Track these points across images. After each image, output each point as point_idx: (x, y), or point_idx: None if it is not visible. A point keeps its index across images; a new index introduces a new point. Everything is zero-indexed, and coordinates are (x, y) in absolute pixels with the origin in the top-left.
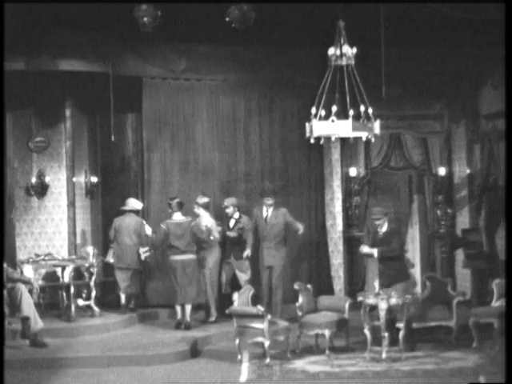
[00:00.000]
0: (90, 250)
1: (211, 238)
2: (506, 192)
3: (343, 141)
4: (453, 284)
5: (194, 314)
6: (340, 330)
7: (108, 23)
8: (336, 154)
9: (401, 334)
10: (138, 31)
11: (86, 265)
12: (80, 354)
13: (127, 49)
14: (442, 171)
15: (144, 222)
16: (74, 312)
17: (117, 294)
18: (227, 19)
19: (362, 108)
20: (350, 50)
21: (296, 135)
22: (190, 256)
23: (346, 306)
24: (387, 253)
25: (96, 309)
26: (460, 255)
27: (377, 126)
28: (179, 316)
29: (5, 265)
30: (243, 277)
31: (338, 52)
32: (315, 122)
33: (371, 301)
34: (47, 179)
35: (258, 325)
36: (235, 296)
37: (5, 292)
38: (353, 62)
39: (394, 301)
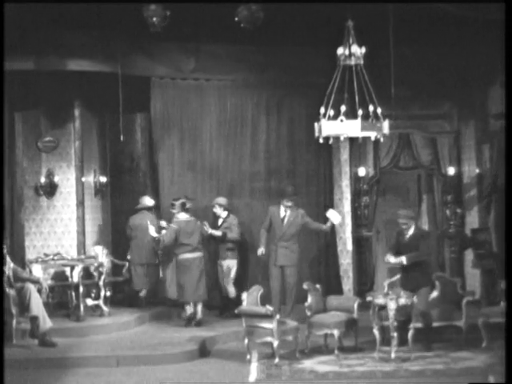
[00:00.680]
0: (99, 249)
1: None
2: (506, 192)
3: (352, 141)
4: (462, 284)
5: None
6: (349, 330)
7: (117, 23)
8: (345, 154)
9: (410, 333)
10: (146, 31)
11: (95, 264)
12: (89, 353)
13: (136, 49)
14: (451, 171)
15: (153, 220)
16: (82, 311)
17: (126, 293)
18: (236, 19)
19: (371, 108)
20: (358, 50)
21: (304, 135)
22: (200, 254)
23: (355, 305)
24: (416, 258)
25: (105, 308)
26: (469, 255)
27: (386, 125)
28: (189, 312)
29: (13, 264)
30: (229, 274)
31: (347, 52)
32: (324, 122)
33: (380, 301)
34: (56, 179)
35: (266, 325)
36: (244, 296)
37: (13, 291)
38: (362, 62)
39: (403, 301)
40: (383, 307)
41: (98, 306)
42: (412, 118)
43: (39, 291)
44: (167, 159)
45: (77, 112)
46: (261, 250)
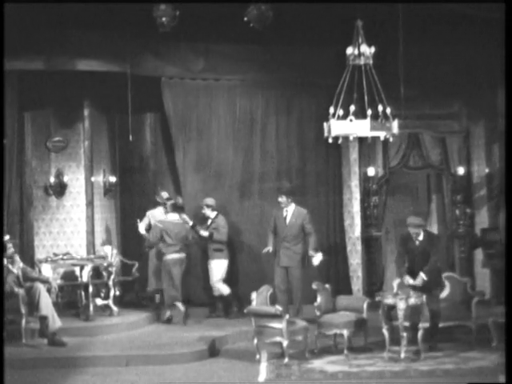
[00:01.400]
0: (109, 249)
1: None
2: (506, 191)
3: (361, 140)
4: (472, 284)
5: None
6: (358, 330)
7: (126, 23)
8: (354, 154)
9: (420, 333)
10: (156, 31)
11: (105, 264)
12: (98, 353)
13: (145, 49)
14: (460, 171)
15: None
16: (92, 311)
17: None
18: (245, 19)
19: (380, 107)
20: (367, 50)
21: (313, 135)
22: (183, 255)
23: (365, 305)
24: (432, 268)
25: (114, 308)
26: (479, 255)
27: (395, 125)
28: (168, 313)
29: (22, 264)
30: (217, 275)
31: (356, 51)
32: (333, 122)
33: (389, 301)
34: (65, 179)
35: (276, 324)
36: (253, 295)
37: (23, 291)
38: (371, 62)
39: (412, 301)
40: (392, 307)
41: (107, 306)
42: (421, 117)
43: (48, 291)
44: (176, 159)
45: (86, 112)
46: (267, 249)
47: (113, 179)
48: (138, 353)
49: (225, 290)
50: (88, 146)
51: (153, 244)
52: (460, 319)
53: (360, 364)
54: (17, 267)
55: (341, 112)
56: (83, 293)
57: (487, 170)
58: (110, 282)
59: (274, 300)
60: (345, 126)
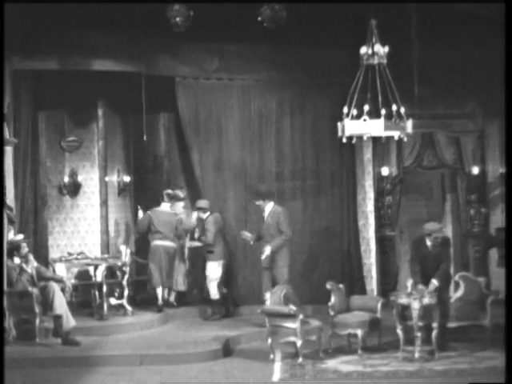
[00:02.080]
0: (123, 248)
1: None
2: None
3: (375, 140)
4: (487, 283)
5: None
6: (372, 330)
7: (141, 23)
8: (368, 154)
9: (434, 333)
10: (170, 31)
11: (119, 264)
12: (112, 352)
13: (160, 49)
14: (475, 170)
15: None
16: (106, 310)
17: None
18: (259, 19)
19: (394, 107)
20: (381, 49)
21: (328, 135)
22: (172, 244)
23: (379, 305)
24: (445, 272)
25: (128, 307)
26: (494, 254)
27: (409, 125)
28: (160, 299)
29: (36, 263)
30: (210, 276)
31: (370, 51)
32: (347, 122)
33: (404, 300)
34: (80, 178)
35: (290, 324)
36: (267, 295)
37: (37, 290)
38: (385, 61)
39: (426, 300)
40: (407, 307)
41: (121, 305)
42: (435, 117)
43: (63, 290)
44: (191, 159)
45: (100, 112)
46: (248, 236)
47: (127, 179)
48: (151, 352)
49: (213, 292)
50: (102, 146)
51: (140, 230)
52: (475, 319)
53: (374, 364)
54: (31, 267)
55: (355, 112)
56: (97, 292)
57: (502, 170)
58: (124, 282)
59: (287, 300)
60: (359, 126)
